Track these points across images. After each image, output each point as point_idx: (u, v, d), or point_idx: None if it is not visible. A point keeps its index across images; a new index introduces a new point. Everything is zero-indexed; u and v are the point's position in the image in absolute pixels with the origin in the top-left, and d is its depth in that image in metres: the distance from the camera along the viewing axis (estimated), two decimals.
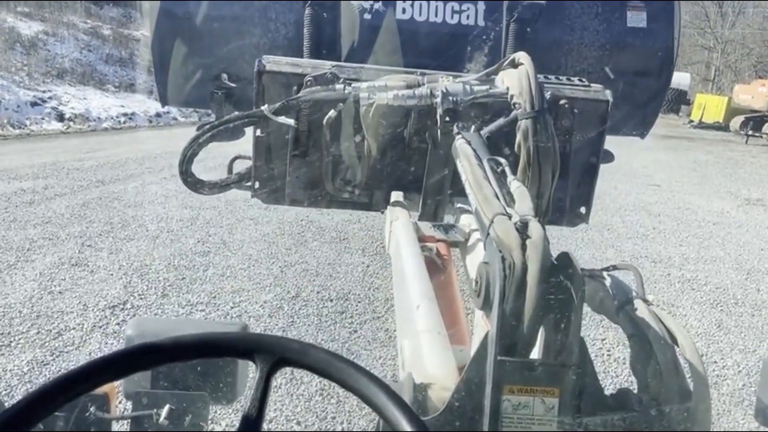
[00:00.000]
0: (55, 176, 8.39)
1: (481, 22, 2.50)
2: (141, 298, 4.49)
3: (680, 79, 35.85)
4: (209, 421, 0.99)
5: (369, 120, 1.90)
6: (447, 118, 1.78)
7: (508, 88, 1.76)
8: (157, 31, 2.55)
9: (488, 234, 1.03)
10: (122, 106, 16.43)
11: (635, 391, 1.04)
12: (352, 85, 1.92)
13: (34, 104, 14.44)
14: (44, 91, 15.29)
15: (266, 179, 2.22)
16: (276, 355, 0.68)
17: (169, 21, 2.54)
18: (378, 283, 4.98)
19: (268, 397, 0.65)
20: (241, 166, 2.44)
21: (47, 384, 0.65)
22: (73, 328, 3.94)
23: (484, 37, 2.50)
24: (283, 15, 2.54)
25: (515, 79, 1.73)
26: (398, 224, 1.79)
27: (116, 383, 1.12)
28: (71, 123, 14.48)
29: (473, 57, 2.48)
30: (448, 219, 2.07)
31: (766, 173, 14.74)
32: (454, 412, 0.89)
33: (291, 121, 1.98)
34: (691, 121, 26.90)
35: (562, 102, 1.97)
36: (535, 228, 0.96)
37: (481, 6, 2.52)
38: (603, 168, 2.45)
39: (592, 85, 2.11)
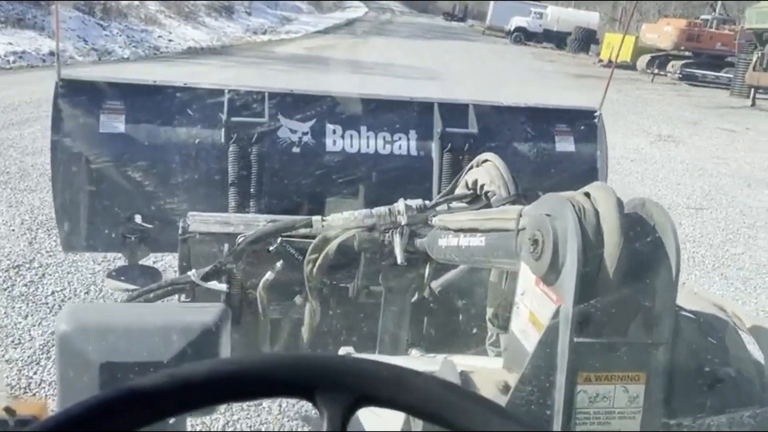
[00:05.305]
0: None
1: (414, 152, 2.48)
2: (50, 256, 4.07)
3: (589, 18, 36.77)
4: None
5: (313, 278, 1.75)
6: (411, 247, 1.67)
7: (476, 182, 1.72)
8: (57, 168, 2.22)
9: (519, 230, 0.87)
10: (10, 44, 14.88)
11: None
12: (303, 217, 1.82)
13: None
14: None
15: None
16: (355, 390, 0.44)
17: (70, 157, 2.22)
18: None
19: None
20: None
21: None
22: None
23: (418, 166, 2.48)
24: (205, 152, 2.32)
25: (483, 172, 1.71)
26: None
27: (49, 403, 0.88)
28: None
29: (408, 186, 2.41)
30: None
31: (672, 110, 15.37)
32: (519, 409, 0.69)
33: (223, 287, 1.82)
34: (601, 60, 27.53)
35: None
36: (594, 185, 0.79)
37: (413, 136, 2.49)
38: None
39: None
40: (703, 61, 23.51)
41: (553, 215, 0.74)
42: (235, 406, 2.72)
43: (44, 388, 2.84)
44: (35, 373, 2.94)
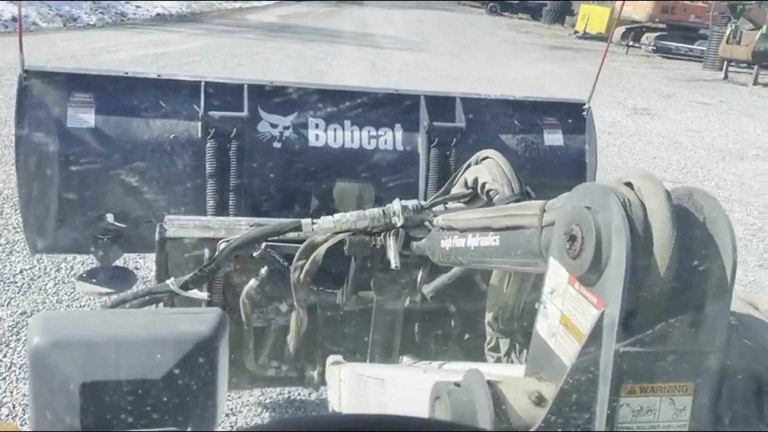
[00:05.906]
0: None
1: (399, 147, 2.40)
2: (17, 232, 3.93)
3: None
4: None
5: (300, 284, 1.65)
6: (406, 250, 1.59)
7: (476, 180, 1.64)
8: (22, 165, 2.07)
9: (543, 227, 0.80)
10: None
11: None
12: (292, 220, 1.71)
13: None
14: None
15: None
16: None
17: (37, 153, 2.07)
18: None
19: None
20: None
21: None
22: None
23: (405, 161, 2.39)
24: (181, 147, 2.19)
25: (483, 170, 1.63)
26: (347, 365, 1.57)
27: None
28: None
29: (394, 182, 2.36)
30: None
31: (647, 83, 15.43)
32: (556, 425, 0.63)
33: (203, 295, 1.72)
34: (576, 32, 27.45)
35: None
36: (636, 173, 0.72)
37: (399, 130, 2.40)
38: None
39: None
40: (677, 33, 23.59)
41: (595, 208, 0.67)
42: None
43: (14, 371, 2.74)
44: (5, 356, 2.83)
